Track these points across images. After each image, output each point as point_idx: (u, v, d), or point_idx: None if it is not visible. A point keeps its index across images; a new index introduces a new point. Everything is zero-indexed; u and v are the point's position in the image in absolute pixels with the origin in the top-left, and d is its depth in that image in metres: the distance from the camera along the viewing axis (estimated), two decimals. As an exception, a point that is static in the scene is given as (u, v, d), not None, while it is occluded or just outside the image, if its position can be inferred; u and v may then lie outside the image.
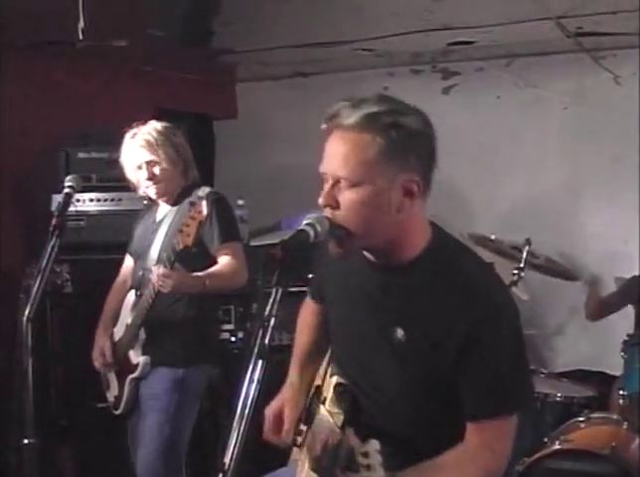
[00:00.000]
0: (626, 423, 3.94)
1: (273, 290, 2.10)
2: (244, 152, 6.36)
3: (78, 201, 4.29)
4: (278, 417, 2.66)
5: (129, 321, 3.85)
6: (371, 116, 2.19)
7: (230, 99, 6.54)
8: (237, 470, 2.00)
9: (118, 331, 3.96)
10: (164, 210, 3.93)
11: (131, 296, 3.90)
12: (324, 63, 5.96)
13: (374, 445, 2.03)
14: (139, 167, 3.80)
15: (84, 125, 4.94)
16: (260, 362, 2.04)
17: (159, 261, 3.63)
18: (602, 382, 4.84)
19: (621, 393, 4.21)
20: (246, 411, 2.01)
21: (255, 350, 2.05)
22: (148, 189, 3.84)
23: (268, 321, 2.07)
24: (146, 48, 5.32)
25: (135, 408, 3.86)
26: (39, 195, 4.77)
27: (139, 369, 3.76)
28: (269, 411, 2.68)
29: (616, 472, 3.57)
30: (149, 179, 3.79)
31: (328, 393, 2.44)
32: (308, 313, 2.87)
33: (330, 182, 2.25)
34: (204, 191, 3.39)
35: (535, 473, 3.72)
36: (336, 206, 2.23)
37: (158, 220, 3.92)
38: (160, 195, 3.87)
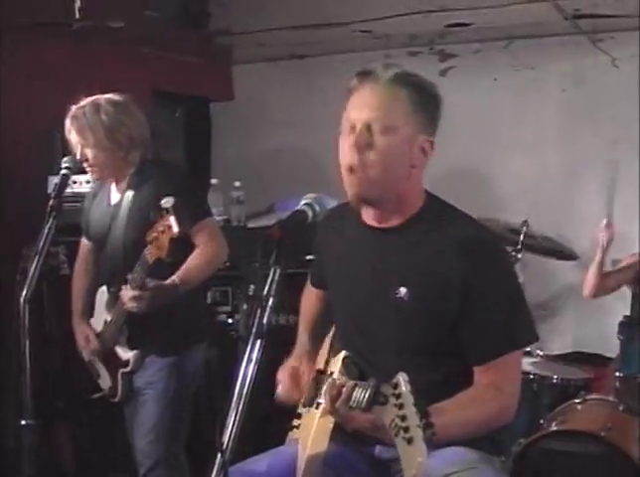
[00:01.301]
0: (622, 405, 3.96)
1: (271, 270, 2.12)
2: (241, 134, 6.35)
3: (74, 182, 4.29)
4: (295, 376, 2.70)
5: (108, 318, 3.73)
6: (403, 74, 2.45)
7: (226, 81, 6.52)
8: (235, 450, 2.01)
9: (96, 323, 3.84)
10: (116, 194, 3.76)
11: (104, 294, 3.77)
12: (321, 44, 5.94)
13: (402, 376, 2.06)
14: (75, 146, 3.64)
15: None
16: (259, 341, 2.05)
17: (127, 256, 3.53)
18: (599, 364, 4.85)
19: (617, 374, 4.22)
20: (245, 391, 2.02)
21: (254, 330, 2.06)
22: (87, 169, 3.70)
23: (267, 301, 2.09)
24: (143, 29, 5.31)
25: (132, 396, 3.77)
26: (35, 176, 4.76)
27: (131, 364, 3.66)
28: (284, 373, 2.71)
29: (612, 453, 3.59)
30: (84, 161, 3.63)
31: (335, 367, 2.47)
32: (309, 298, 2.96)
33: (361, 127, 2.38)
34: (168, 202, 3.17)
35: (531, 454, 3.74)
36: (365, 148, 2.36)
37: (113, 203, 3.74)
38: (99, 178, 3.75)
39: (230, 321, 5.01)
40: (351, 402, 2.19)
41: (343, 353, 2.46)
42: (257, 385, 2.08)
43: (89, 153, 3.59)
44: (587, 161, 5.62)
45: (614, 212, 5.12)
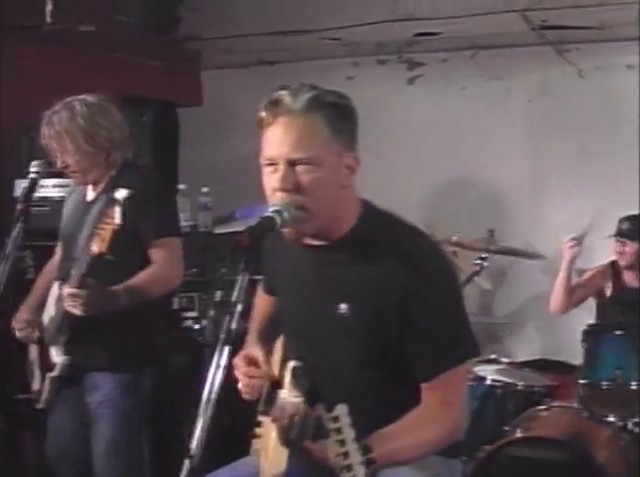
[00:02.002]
0: (586, 412, 4.00)
1: (240, 277, 2.12)
2: (209, 140, 6.34)
3: (41, 186, 4.26)
4: (252, 361, 2.59)
5: (53, 314, 3.59)
6: (314, 99, 2.31)
7: (195, 86, 6.51)
8: (202, 456, 2.01)
9: (45, 319, 3.69)
10: (92, 192, 3.62)
11: (55, 288, 3.61)
12: (290, 51, 5.95)
13: (342, 409, 2.07)
14: (54, 155, 3.52)
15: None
16: (227, 348, 2.05)
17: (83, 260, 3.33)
18: (563, 371, 4.88)
19: (581, 382, 4.26)
20: (213, 397, 2.02)
21: (222, 336, 2.06)
22: (69, 175, 3.62)
23: (235, 307, 2.09)
24: (113, 34, 5.30)
25: (56, 406, 3.64)
26: (1, 180, 4.73)
27: (57, 369, 3.49)
28: (240, 361, 2.61)
29: (576, 460, 3.62)
30: (65, 168, 3.53)
31: (286, 378, 2.46)
32: (261, 301, 2.90)
33: (283, 166, 2.30)
34: (121, 194, 3.08)
35: (496, 461, 3.76)
36: (295, 189, 2.29)
37: (88, 200, 3.62)
38: (81, 183, 3.62)
39: (196, 327, 4.99)
40: (300, 435, 2.19)
41: (292, 363, 2.44)
42: (226, 390, 2.08)
43: (70, 159, 3.49)
44: (553, 171, 5.68)
45: (579, 221, 5.18)
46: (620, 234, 4.90)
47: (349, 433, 2.05)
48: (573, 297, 5.01)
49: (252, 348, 2.65)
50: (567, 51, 5.57)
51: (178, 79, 6.31)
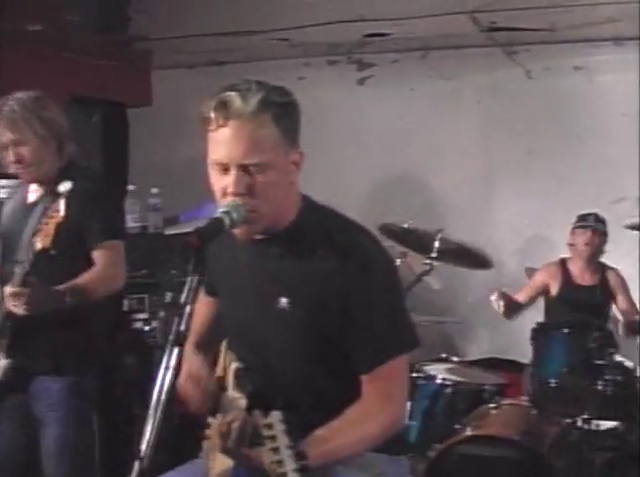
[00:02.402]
0: (536, 409, 4.04)
1: (189, 278, 2.11)
2: (159, 140, 6.31)
3: (-14, 188, 4.20)
4: (195, 380, 2.55)
5: None
6: (264, 101, 2.27)
7: (144, 87, 6.47)
8: (152, 457, 2.00)
9: None
10: (37, 192, 3.52)
11: None
12: (240, 51, 5.95)
13: (276, 416, 2.08)
14: (4, 148, 3.37)
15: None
16: (176, 349, 2.04)
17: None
18: (513, 369, 4.93)
19: (530, 379, 4.31)
20: (162, 398, 2.01)
21: (172, 337, 2.05)
22: (18, 172, 3.46)
23: (184, 309, 2.08)
24: (61, 33, 5.25)
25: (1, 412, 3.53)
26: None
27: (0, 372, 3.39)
28: (184, 381, 2.59)
29: (526, 457, 3.66)
30: (17, 162, 3.37)
31: (229, 380, 2.45)
32: (200, 307, 2.84)
33: (236, 171, 2.28)
34: (65, 186, 3.05)
35: (447, 459, 3.78)
36: (248, 193, 2.27)
37: (30, 201, 3.53)
38: (31, 179, 3.49)
39: (146, 328, 4.96)
40: (238, 443, 2.20)
41: (235, 365, 2.43)
42: (175, 392, 2.07)
43: (26, 149, 3.37)
44: (502, 170, 5.73)
45: (527, 220, 5.24)
46: (587, 222, 4.98)
47: (282, 441, 2.05)
48: (519, 306, 5.07)
49: (193, 363, 2.61)
50: (516, 52, 5.65)
51: (127, 80, 6.26)
